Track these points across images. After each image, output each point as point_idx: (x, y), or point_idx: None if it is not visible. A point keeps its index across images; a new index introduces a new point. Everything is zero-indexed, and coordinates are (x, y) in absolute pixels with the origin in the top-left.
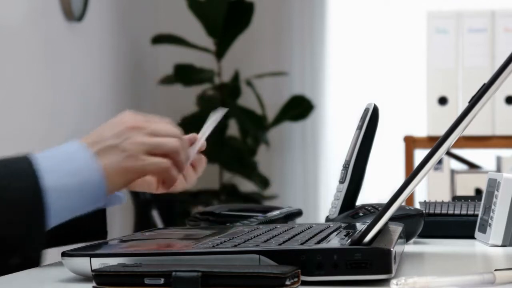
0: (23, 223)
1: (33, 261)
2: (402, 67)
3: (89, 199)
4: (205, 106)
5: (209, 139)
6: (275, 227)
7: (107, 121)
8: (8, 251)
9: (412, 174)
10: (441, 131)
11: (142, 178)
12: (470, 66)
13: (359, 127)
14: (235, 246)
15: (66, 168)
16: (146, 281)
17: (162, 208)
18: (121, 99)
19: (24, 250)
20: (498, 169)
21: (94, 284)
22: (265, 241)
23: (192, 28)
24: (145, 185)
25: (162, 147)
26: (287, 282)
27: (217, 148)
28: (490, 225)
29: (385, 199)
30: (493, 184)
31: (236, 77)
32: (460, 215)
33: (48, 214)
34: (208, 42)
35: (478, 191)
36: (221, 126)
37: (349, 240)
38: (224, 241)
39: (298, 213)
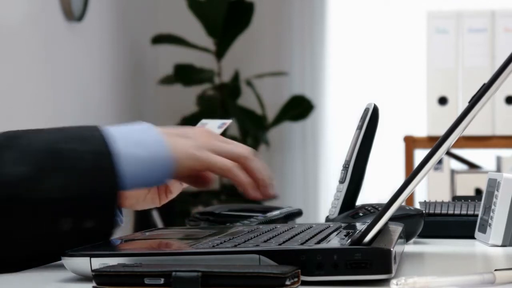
0: (95, 185)
1: (107, 225)
2: (402, 67)
3: (157, 172)
4: (205, 106)
5: None
6: (275, 227)
7: (107, 121)
8: (81, 214)
9: (412, 174)
10: (441, 131)
11: (151, 192)
12: (470, 66)
13: (359, 127)
14: (235, 246)
15: (135, 139)
16: (146, 281)
17: (162, 208)
18: (121, 99)
19: (97, 212)
20: (498, 169)
21: (94, 284)
22: (265, 241)
23: (192, 28)
24: (149, 201)
25: (230, 151)
26: (287, 282)
27: None
28: (490, 225)
29: (385, 199)
30: (493, 184)
31: (236, 77)
32: (460, 215)
33: (120, 177)
34: (208, 42)
35: (478, 191)
36: None
37: (349, 240)
38: (224, 241)
39: (298, 213)
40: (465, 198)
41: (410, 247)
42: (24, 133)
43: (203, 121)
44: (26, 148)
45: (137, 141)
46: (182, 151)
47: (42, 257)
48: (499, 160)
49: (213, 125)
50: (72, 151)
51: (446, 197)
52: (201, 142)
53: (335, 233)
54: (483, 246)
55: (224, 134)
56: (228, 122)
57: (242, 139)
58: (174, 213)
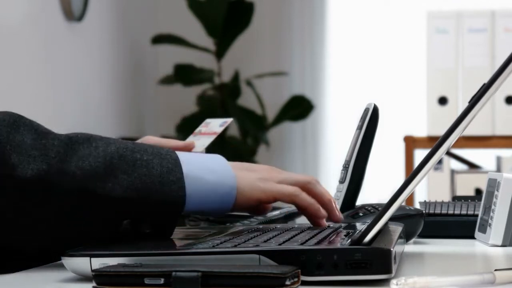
0: (159, 194)
1: (163, 232)
2: (402, 67)
3: (218, 200)
4: (205, 106)
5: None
6: (275, 227)
7: (107, 121)
8: (141, 218)
9: (412, 174)
10: (441, 131)
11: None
12: (470, 66)
13: (359, 127)
14: (235, 246)
15: (203, 165)
16: (146, 281)
17: None
18: (121, 99)
19: (157, 219)
20: (498, 169)
21: (94, 284)
22: (265, 241)
23: (192, 28)
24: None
25: (294, 179)
26: (287, 282)
27: (217, 148)
28: (490, 225)
29: (385, 199)
30: (493, 184)
31: (236, 77)
32: (460, 215)
33: (184, 193)
34: (208, 42)
35: (478, 191)
36: None
37: (349, 240)
38: (224, 241)
39: (298, 213)
40: (465, 198)
41: (410, 247)
42: (98, 136)
43: (207, 120)
44: (99, 148)
45: (206, 167)
46: (248, 183)
47: None
48: (499, 160)
49: (215, 124)
50: (142, 160)
51: (446, 197)
52: (265, 175)
53: (335, 233)
54: (483, 246)
55: (224, 133)
56: (229, 120)
57: (242, 139)
58: None
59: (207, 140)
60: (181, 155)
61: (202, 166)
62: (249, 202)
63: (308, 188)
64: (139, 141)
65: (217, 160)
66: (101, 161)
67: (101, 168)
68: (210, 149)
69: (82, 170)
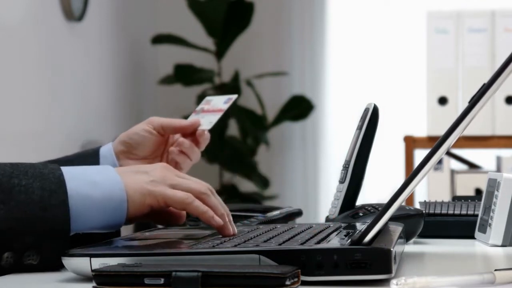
0: (42, 221)
1: (50, 263)
2: (402, 67)
3: (108, 216)
4: None
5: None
6: (275, 227)
7: (107, 121)
8: (24, 249)
9: (412, 174)
10: (441, 131)
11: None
12: (470, 66)
13: (359, 127)
14: (235, 246)
15: (89, 179)
16: (146, 281)
17: None
18: (121, 99)
19: (41, 250)
20: (498, 169)
21: (94, 284)
22: (265, 241)
23: (192, 28)
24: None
25: (188, 186)
26: (287, 282)
27: (217, 148)
28: (490, 225)
29: (385, 199)
30: (493, 184)
31: (236, 77)
32: (460, 215)
33: (69, 217)
34: (208, 42)
35: (478, 191)
36: (221, 126)
37: (349, 240)
38: (224, 241)
39: (298, 213)
40: (465, 198)
41: (410, 247)
42: None
43: (208, 98)
44: None
45: (92, 181)
46: (136, 188)
47: None
48: (499, 160)
49: (219, 101)
50: (21, 186)
51: (446, 197)
52: (158, 177)
53: (335, 233)
54: (483, 246)
55: (224, 133)
56: (233, 97)
57: (242, 139)
58: None
59: (214, 118)
60: (66, 171)
61: (88, 181)
62: (142, 209)
63: (201, 198)
64: (145, 121)
65: (104, 171)
66: None
67: None
68: (209, 144)
69: None
